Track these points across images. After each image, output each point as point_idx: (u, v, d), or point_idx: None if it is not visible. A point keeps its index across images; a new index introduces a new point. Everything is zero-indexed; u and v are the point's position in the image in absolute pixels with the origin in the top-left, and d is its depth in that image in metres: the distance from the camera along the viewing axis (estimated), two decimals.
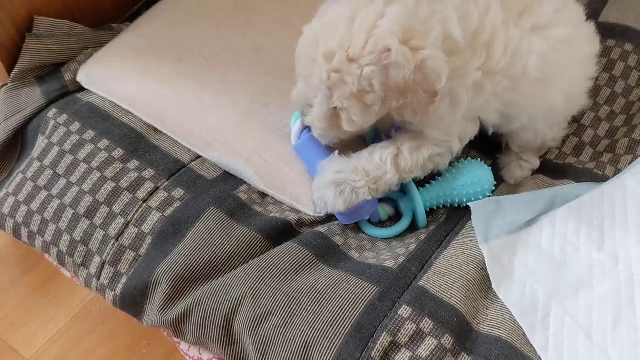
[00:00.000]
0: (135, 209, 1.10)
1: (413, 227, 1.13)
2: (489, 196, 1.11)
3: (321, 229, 1.08)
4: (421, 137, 1.03)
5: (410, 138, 1.03)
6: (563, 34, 1.02)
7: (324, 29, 0.95)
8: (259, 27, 1.29)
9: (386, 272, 1.00)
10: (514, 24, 0.99)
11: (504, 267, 1.01)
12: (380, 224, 1.13)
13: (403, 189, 1.13)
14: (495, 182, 1.12)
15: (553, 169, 1.19)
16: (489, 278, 1.00)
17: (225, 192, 1.12)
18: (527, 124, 1.11)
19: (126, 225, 1.09)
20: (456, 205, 1.13)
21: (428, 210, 1.13)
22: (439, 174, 1.13)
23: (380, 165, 1.02)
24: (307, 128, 1.08)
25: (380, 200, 1.11)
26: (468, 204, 1.08)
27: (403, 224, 1.11)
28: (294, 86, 1.11)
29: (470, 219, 1.09)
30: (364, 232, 1.11)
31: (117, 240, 1.09)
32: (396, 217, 1.14)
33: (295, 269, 1.01)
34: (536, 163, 1.20)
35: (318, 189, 1.04)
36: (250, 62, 1.23)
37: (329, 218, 1.11)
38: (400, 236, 1.11)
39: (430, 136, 1.02)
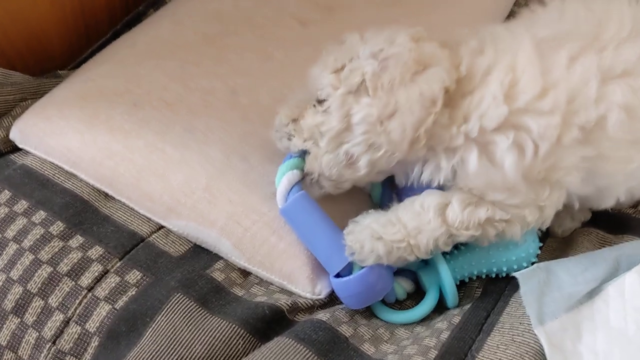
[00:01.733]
0: (77, 301, 0.86)
1: (441, 305, 0.89)
2: (535, 262, 0.89)
3: (322, 315, 0.84)
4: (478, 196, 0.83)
5: (463, 192, 0.83)
6: None
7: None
8: (233, 64, 1.07)
9: None
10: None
11: (567, 356, 0.78)
12: (398, 304, 0.90)
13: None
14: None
15: (609, 221, 0.99)
16: None
17: (195, 272, 0.88)
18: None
19: (66, 322, 0.85)
20: (493, 276, 0.90)
21: (458, 282, 0.89)
22: None
23: (420, 213, 0.82)
24: (296, 185, 0.87)
25: (396, 273, 0.88)
26: (516, 274, 0.84)
27: (428, 304, 0.88)
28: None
29: (515, 291, 0.86)
30: (378, 317, 0.88)
31: (54, 343, 0.85)
32: (417, 294, 0.90)
33: None
34: (588, 213, 1.00)
35: (352, 232, 0.84)
36: (224, 106, 1.01)
37: (332, 301, 0.88)
38: (425, 319, 0.88)
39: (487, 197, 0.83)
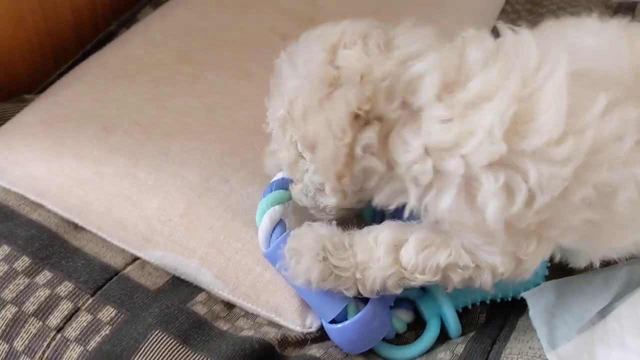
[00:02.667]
0: (45, 344, 0.78)
1: (443, 334, 0.82)
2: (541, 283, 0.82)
3: (315, 352, 0.77)
4: (446, 235, 0.70)
5: (428, 228, 0.71)
6: None
7: None
8: (210, 82, 1.01)
9: None
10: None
11: None
12: (396, 337, 0.82)
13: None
14: None
15: None
16: None
17: (174, 306, 0.81)
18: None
19: None
20: (498, 301, 0.83)
21: (460, 310, 0.83)
22: None
23: (372, 247, 0.72)
24: (279, 224, 0.79)
25: (395, 304, 0.81)
26: (524, 295, 0.79)
27: (430, 337, 0.81)
28: (263, 151, 0.83)
29: (522, 314, 0.81)
30: (376, 354, 0.80)
31: None
32: (417, 323, 0.83)
33: None
34: None
35: (297, 236, 0.74)
36: (201, 126, 0.94)
37: (324, 335, 0.80)
38: (428, 351, 0.80)
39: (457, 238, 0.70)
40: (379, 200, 0.71)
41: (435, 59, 0.67)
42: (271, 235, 0.79)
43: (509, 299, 0.82)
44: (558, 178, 0.63)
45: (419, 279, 0.71)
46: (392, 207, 0.72)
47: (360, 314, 0.75)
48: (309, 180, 0.74)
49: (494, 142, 0.62)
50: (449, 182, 0.65)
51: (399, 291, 0.73)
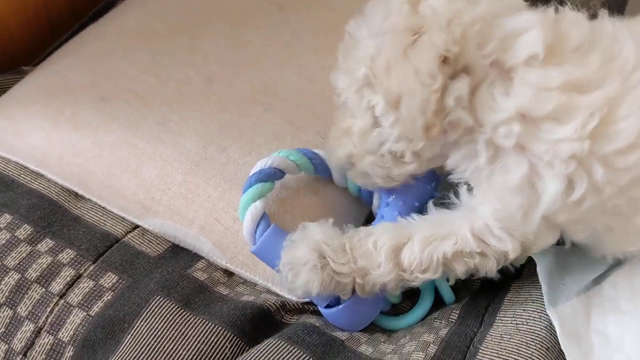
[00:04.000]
0: (48, 309, 0.79)
1: (438, 300, 0.83)
2: None
3: (314, 320, 0.79)
4: (451, 224, 0.71)
5: (433, 223, 0.72)
6: None
7: None
8: (208, 53, 1.02)
9: None
10: None
11: (581, 342, 0.74)
12: (393, 307, 0.83)
13: None
14: None
15: None
16: (559, 359, 0.72)
17: (175, 272, 0.82)
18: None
19: (37, 333, 0.78)
20: None
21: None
22: None
23: (372, 253, 0.71)
24: (262, 219, 0.80)
25: None
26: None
27: (424, 306, 0.82)
28: (260, 120, 0.82)
29: (516, 277, 0.82)
30: (375, 325, 0.81)
31: (24, 355, 0.78)
32: (412, 292, 0.83)
33: None
34: None
35: (291, 248, 0.74)
36: (199, 96, 0.95)
37: None
38: (424, 318, 0.82)
39: (477, 211, 0.70)
40: (452, 162, 0.70)
41: (537, 19, 0.64)
42: (256, 232, 0.79)
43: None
44: (614, 185, 0.64)
45: (420, 278, 0.71)
46: (458, 172, 0.71)
47: (352, 297, 0.75)
48: (388, 149, 0.70)
49: (582, 137, 0.63)
50: (520, 158, 0.65)
51: (397, 292, 0.74)
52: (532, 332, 0.73)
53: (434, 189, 0.78)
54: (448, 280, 0.76)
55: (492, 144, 0.67)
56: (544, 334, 0.73)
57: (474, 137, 0.67)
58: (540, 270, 0.77)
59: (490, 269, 0.71)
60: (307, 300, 0.82)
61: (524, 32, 0.64)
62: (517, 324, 0.75)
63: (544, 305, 0.75)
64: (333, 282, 0.72)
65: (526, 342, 0.72)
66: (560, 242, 0.76)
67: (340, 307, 0.77)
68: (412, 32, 0.64)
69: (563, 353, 0.71)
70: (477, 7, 0.65)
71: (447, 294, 0.81)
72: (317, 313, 0.81)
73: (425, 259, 0.70)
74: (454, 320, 0.78)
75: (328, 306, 0.78)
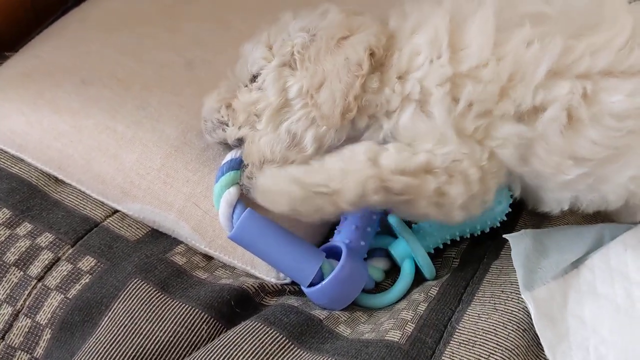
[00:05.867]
0: (26, 292, 0.80)
1: (419, 277, 0.84)
2: (503, 220, 0.85)
3: (294, 301, 0.79)
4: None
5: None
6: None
7: None
8: (190, 35, 1.02)
9: (391, 351, 0.71)
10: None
11: (556, 324, 0.74)
12: (375, 286, 0.84)
13: (392, 232, 0.84)
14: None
15: None
16: (535, 341, 0.73)
17: (153, 256, 0.82)
18: None
19: (15, 316, 0.79)
20: (467, 236, 0.85)
21: (432, 251, 0.84)
22: None
23: (350, 157, 0.73)
24: (238, 204, 0.80)
25: (369, 255, 0.83)
26: (506, 236, 0.80)
27: (405, 280, 0.83)
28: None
29: (495, 258, 0.83)
30: (356, 304, 0.81)
31: (2, 339, 0.78)
32: (394, 271, 0.85)
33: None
34: None
35: (264, 174, 0.77)
36: (179, 80, 0.95)
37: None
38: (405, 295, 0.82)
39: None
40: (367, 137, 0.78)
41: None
42: (232, 217, 0.80)
43: (478, 234, 0.84)
44: (486, 93, 0.74)
45: (399, 181, 0.72)
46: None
47: (336, 270, 0.77)
48: (286, 129, 0.77)
49: (442, 65, 0.74)
50: (407, 102, 0.75)
51: (378, 199, 0.72)
52: (510, 313, 0.73)
53: None
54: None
55: (389, 112, 0.77)
56: (521, 315, 0.73)
57: (379, 122, 0.77)
58: (516, 254, 0.77)
59: (459, 192, 0.73)
60: (287, 281, 0.82)
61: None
62: (494, 304, 0.75)
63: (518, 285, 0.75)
64: (311, 195, 0.73)
65: (503, 323, 0.72)
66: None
67: (323, 283, 0.77)
68: (348, 29, 0.76)
69: None
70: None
71: (426, 268, 0.81)
72: (296, 293, 0.82)
73: (404, 162, 0.72)
74: (433, 295, 0.78)
75: (311, 285, 0.78)
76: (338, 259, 0.78)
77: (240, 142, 0.81)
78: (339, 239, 0.82)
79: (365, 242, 0.82)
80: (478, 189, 0.74)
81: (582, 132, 0.74)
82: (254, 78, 0.80)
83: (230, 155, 0.82)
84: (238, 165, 0.81)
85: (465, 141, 0.74)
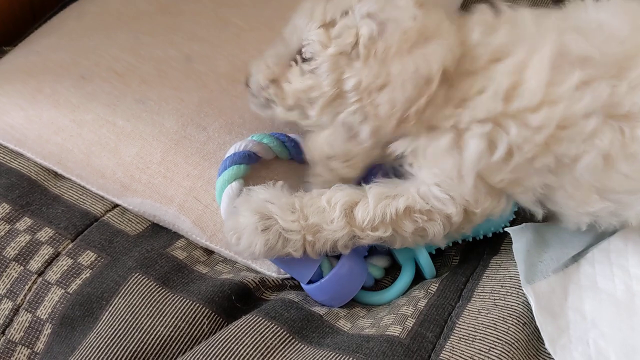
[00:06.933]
0: (27, 287, 0.79)
1: (419, 276, 0.84)
2: (507, 226, 0.84)
3: (294, 297, 0.79)
4: (402, 187, 0.74)
5: (385, 185, 0.74)
6: None
7: None
8: (189, 32, 1.01)
9: (392, 345, 0.70)
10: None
11: (556, 318, 0.74)
12: (375, 283, 0.84)
13: None
14: None
15: None
16: (535, 335, 0.73)
17: (154, 251, 0.82)
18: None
19: (15, 310, 0.78)
20: (470, 240, 0.85)
21: (434, 252, 0.84)
22: None
23: (325, 210, 0.72)
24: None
25: (369, 253, 0.83)
26: (507, 229, 0.80)
27: (405, 280, 0.82)
28: (241, 100, 0.85)
29: (495, 254, 0.83)
30: (356, 301, 0.81)
31: (3, 333, 0.77)
32: (394, 267, 0.85)
33: (262, 354, 0.70)
34: None
35: (237, 214, 0.74)
36: (179, 75, 0.94)
37: None
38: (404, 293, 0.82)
39: (419, 179, 0.74)
40: (397, 145, 0.74)
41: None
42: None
43: (481, 237, 0.84)
44: (532, 142, 0.69)
45: (370, 236, 0.73)
46: (399, 152, 0.75)
47: (334, 269, 0.76)
48: (342, 121, 0.74)
49: (496, 100, 0.69)
50: (450, 130, 0.71)
51: (346, 252, 0.74)
52: (509, 308, 0.73)
53: None
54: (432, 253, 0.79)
55: (432, 128, 0.72)
56: (520, 310, 0.73)
57: (420, 135, 0.73)
58: (517, 248, 0.77)
59: (437, 231, 0.73)
60: (287, 276, 0.82)
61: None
62: (494, 299, 0.75)
63: (519, 281, 0.75)
64: (281, 240, 0.72)
65: (503, 317, 0.72)
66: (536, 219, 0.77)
67: (321, 281, 0.77)
68: (423, 34, 0.69)
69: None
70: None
71: (427, 269, 0.81)
72: (296, 288, 0.82)
73: (379, 214, 0.72)
74: (432, 292, 0.78)
75: (310, 282, 0.78)
76: (338, 257, 0.78)
77: (239, 157, 0.80)
78: None
79: None
80: (464, 225, 0.74)
81: (615, 168, 0.71)
82: (305, 60, 0.75)
83: (233, 149, 0.81)
84: (240, 159, 0.80)
85: (478, 190, 0.72)
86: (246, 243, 0.73)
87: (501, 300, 0.75)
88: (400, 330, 0.73)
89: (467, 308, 0.74)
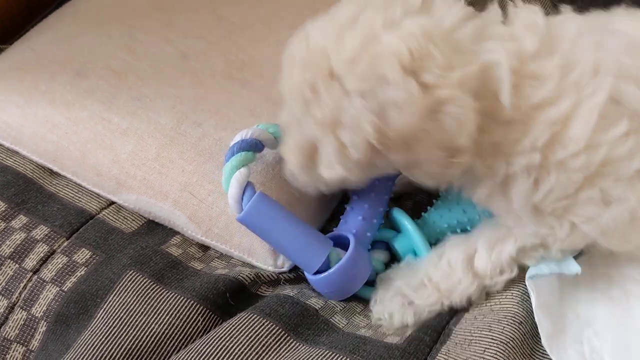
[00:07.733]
0: (22, 285, 0.79)
1: None
2: None
3: (289, 291, 0.79)
4: (507, 227, 0.75)
5: (490, 226, 0.76)
6: None
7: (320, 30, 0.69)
8: (185, 29, 1.01)
9: (389, 349, 0.72)
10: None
11: (554, 315, 0.75)
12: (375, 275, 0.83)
13: (395, 225, 0.84)
14: None
15: None
16: (531, 333, 0.73)
17: (149, 248, 0.82)
18: None
19: (10, 308, 0.78)
20: (469, 229, 0.84)
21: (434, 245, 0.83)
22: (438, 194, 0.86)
23: (449, 273, 0.76)
24: (248, 186, 0.78)
25: (371, 246, 0.83)
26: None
27: None
28: (236, 96, 0.83)
29: None
30: (355, 295, 0.81)
31: None
32: (394, 262, 0.84)
33: (257, 352, 0.71)
34: None
35: (381, 301, 0.78)
36: (174, 72, 0.94)
37: (299, 276, 0.82)
38: None
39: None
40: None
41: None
42: (242, 199, 0.78)
43: None
44: (570, 181, 0.68)
45: (501, 280, 0.75)
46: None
47: (343, 259, 0.76)
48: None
49: (534, 149, 0.67)
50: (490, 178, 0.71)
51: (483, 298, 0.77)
52: (505, 310, 0.74)
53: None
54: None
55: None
56: (515, 309, 0.74)
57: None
58: (537, 305, 0.76)
59: (556, 257, 0.74)
60: (283, 270, 0.82)
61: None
62: (490, 305, 0.76)
63: (516, 282, 0.76)
64: (425, 313, 0.76)
65: (498, 319, 0.73)
66: None
67: (330, 271, 0.76)
68: (431, 110, 0.63)
69: (536, 327, 0.72)
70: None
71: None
72: (291, 282, 0.82)
73: (496, 262, 0.74)
74: None
75: (318, 272, 0.77)
76: (343, 248, 0.78)
77: (247, 145, 0.80)
78: (346, 229, 0.81)
79: (371, 233, 0.81)
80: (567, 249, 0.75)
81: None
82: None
83: (240, 136, 0.80)
84: (248, 146, 0.79)
85: (543, 218, 0.71)
86: (398, 320, 0.76)
87: (497, 305, 0.75)
88: (399, 339, 0.73)
89: (465, 317, 0.75)
